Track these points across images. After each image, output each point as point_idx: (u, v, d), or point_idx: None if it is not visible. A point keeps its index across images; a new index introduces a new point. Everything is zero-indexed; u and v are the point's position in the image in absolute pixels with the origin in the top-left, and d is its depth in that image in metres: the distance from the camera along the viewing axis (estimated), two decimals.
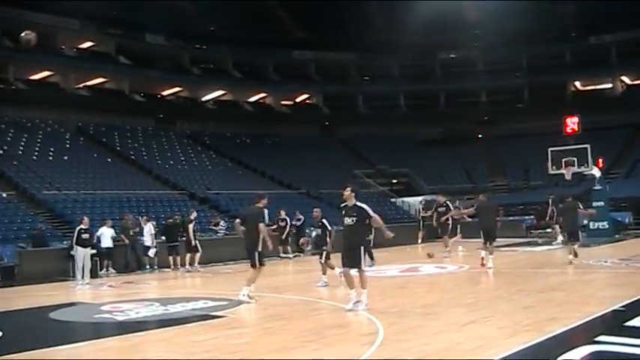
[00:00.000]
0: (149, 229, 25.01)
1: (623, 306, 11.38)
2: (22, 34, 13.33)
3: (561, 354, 7.86)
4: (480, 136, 60.86)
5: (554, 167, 33.79)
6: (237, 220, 15.02)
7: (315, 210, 18.45)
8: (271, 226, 26.64)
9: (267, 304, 13.93)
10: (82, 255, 20.60)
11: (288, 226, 28.98)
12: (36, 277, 22.28)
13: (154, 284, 20.39)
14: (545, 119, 50.78)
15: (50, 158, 39.89)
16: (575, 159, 32.70)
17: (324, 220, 17.10)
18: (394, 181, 54.24)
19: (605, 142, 43.62)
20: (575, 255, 19.44)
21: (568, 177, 34.28)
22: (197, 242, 24.50)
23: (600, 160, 35.92)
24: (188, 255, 24.49)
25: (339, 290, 15.83)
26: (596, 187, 33.61)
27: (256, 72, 60.85)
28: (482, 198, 20.63)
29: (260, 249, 14.17)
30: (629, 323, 9.79)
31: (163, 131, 51.50)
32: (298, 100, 63.76)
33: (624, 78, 59.51)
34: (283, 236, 28.80)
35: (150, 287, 19.73)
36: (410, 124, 59.44)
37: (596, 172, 33.74)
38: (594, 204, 31.00)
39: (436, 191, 46.11)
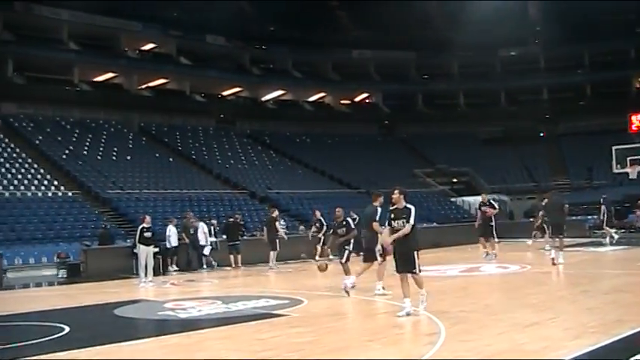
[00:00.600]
0: (201, 227, 25.16)
1: None
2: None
3: (629, 357, 7.70)
4: (541, 134, 59.99)
5: (618, 166, 33.20)
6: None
7: (337, 210, 17.88)
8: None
9: (329, 303, 13.94)
10: (145, 253, 20.81)
11: (324, 228, 26.11)
12: (100, 274, 22.68)
13: (215, 282, 20.56)
14: (608, 117, 49.88)
15: (114, 158, 40.55)
16: None
17: (348, 219, 16.98)
18: (454, 180, 53.78)
19: None
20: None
21: (633, 176, 33.61)
22: (278, 240, 24.58)
23: None
24: (272, 253, 24.42)
25: (399, 290, 15.76)
26: None
27: (316, 71, 60.95)
28: (549, 195, 20.49)
29: (379, 246, 14.54)
30: None
31: (224, 131, 51.91)
32: (358, 99, 63.66)
33: None
34: (320, 235, 26.24)
35: (211, 285, 19.91)
36: (470, 122, 58.83)
37: None
38: None
39: (497, 190, 45.99)
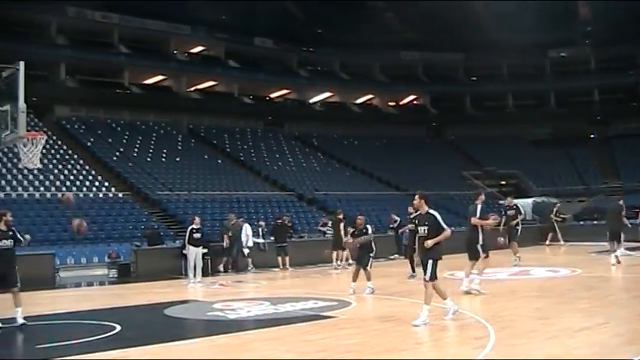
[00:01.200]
0: (245, 229, 25.23)
1: None
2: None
3: None
4: (592, 136, 59.13)
5: None
6: None
7: (359, 217, 17.95)
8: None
9: (377, 305, 13.95)
10: (194, 254, 21.00)
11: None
12: (150, 274, 22.94)
13: (263, 284, 20.66)
14: None
15: (163, 159, 41.00)
16: None
17: (368, 227, 17.18)
18: (503, 182, 53.27)
19: None
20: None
21: None
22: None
23: None
24: (339, 252, 24.54)
25: (448, 293, 15.68)
26: None
27: (363, 73, 60.82)
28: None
29: (481, 241, 15.21)
30: None
31: (272, 133, 52.13)
32: (405, 100, 63.43)
33: None
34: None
35: (260, 287, 20.02)
36: (518, 124, 58.16)
37: None
38: None
39: (546, 193, 45.45)
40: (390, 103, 61.68)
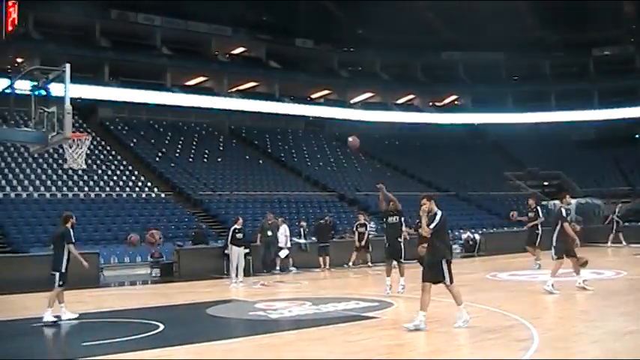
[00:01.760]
0: (284, 230, 25.18)
1: None
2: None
3: None
4: (637, 136, 58.27)
5: None
6: None
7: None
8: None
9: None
10: (237, 254, 21.08)
11: (367, 233, 25.33)
12: (192, 274, 23.07)
13: (305, 284, 20.67)
14: None
15: (205, 160, 41.29)
16: None
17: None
18: (545, 183, 52.74)
19: None
20: None
21: None
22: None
23: None
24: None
25: (491, 294, 15.60)
26: None
27: (404, 74, 60.69)
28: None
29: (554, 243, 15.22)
30: None
31: (313, 133, 52.21)
32: (447, 101, 63.12)
33: None
34: (362, 242, 24.80)
35: (301, 287, 20.02)
36: (562, 124, 57.54)
37: None
38: None
39: (590, 194, 44.90)
40: (431, 104, 61.36)
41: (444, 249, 10.97)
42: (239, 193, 36.32)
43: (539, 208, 22.22)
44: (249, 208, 33.43)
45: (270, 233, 24.63)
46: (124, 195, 32.91)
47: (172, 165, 38.90)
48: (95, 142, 36.40)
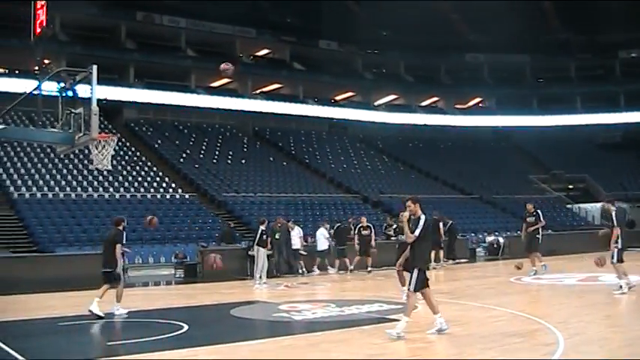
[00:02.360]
0: (298, 232, 25.12)
1: None
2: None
3: None
4: None
5: None
6: None
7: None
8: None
9: (442, 309, 13.79)
10: (263, 255, 21.12)
11: (372, 235, 24.81)
12: (216, 275, 23.17)
13: (328, 286, 20.70)
14: None
15: (229, 161, 41.42)
16: None
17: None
18: (570, 186, 52.37)
19: None
20: None
21: None
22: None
23: None
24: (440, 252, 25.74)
25: (515, 297, 15.53)
26: None
27: (428, 76, 60.55)
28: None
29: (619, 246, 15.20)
30: None
31: (337, 135, 52.21)
32: (471, 103, 62.89)
33: None
34: (372, 244, 24.59)
35: (324, 289, 20.06)
36: (587, 126, 57.12)
37: None
38: None
39: (617, 197, 44.46)
40: (456, 106, 61.17)
41: (420, 257, 10.76)
42: (263, 195, 36.38)
43: (539, 212, 21.50)
44: (272, 210, 33.44)
45: (278, 236, 24.40)
46: (149, 196, 33.10)
47: (196, 166, 39.08)
48: (120, 144, 36.55)
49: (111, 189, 32.52)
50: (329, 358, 9.36)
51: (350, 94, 58.03)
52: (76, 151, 28.82)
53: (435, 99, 61.57)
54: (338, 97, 57.62)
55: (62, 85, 13.86)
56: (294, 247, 24.66)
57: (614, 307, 13.90)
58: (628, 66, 59.90)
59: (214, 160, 40.98)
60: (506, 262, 29.15)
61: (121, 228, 14.66)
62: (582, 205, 45.65)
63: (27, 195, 29.93)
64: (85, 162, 32.16)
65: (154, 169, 36.81)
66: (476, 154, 52.61)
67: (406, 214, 10.82)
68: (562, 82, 60.41)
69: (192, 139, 43.62)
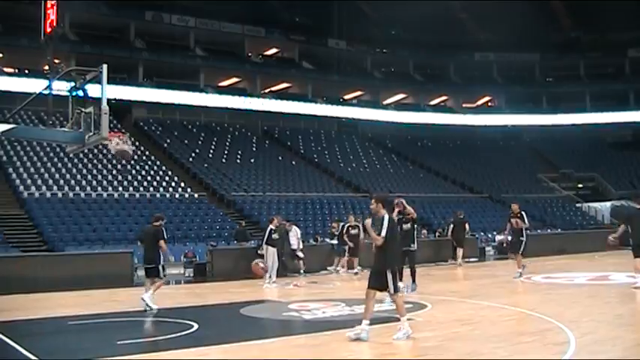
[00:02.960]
0: (295, 232, 24.49)
1: None
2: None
3: None
4: None
5: None
6: None
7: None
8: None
9: (453, 308, 13.79)
10: (272, 254, 21.09)
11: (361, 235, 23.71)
12: (226, 274, 23.15)
13: (337, 285, 20.65)
14: None
15: (238, 161, 41.47)
16: None
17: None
18: (580, 185, 52.22)
19: None
20: None
21: None
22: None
23: None
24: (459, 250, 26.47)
25: (526, 296, 15.49)
26: None
27: (437, 75, 60.51)
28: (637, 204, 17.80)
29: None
30: None
31: (345, 134, 52.20)
32: (480, 102, 62.79)
33: None
34: (352, 245, 24.02)
35: (334, 288, 19.99)
36: (597, 125, 56.92)
37: None
38: None
39: (625, 196, 44.33)
40: (465, 105, 61.06)
41: (390, 258, 10.47)
42: (272, 194, 36.41)
43: (523, 213, 21.04)
44: (282, 209, 33.45)
45: (276, 236, 24.01)
46: (158, 195, 33.15)
47: (206, 165, 39.13)
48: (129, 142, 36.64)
49: (120, 188, 32.58)
50: (339, 357, 9.34)
51: (359, 93, 58.03)
52: (86, 151, 29.02)
53: (444, 98, 61.49)
54: (347, 96, 57.59)
55: (72, 84, 13.89)
56: (292, 247, 23.99)
57: (626, 305, 13.82)
58: (638, 65, 59.67)
59: (223, 160, 41.03)
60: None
61: (159, 224, 15.15)
62: (592, 204, 45.52)
63: (37, 194, 30.02)
64: (95, 161, 32.26)
65: (163, 168, 36.87)
66: (485, 153, 52.53)
67: (368, 221, 10.75)
68: (572, 81, 60.23)
69: (202, 139, 43.70)
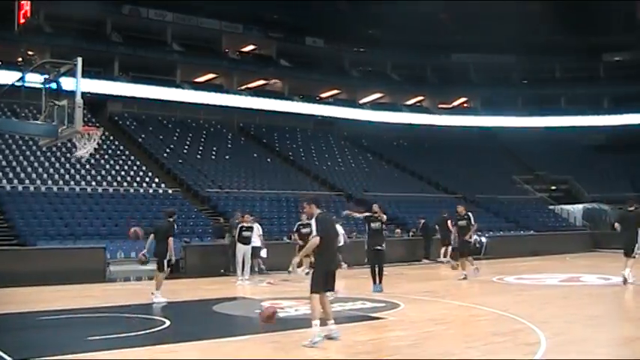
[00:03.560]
0: (256, 229, 23.58)
1: None
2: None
3: None
4: None
5: None
6: None
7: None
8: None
9: (426, 308, 13.84)
10: (242, 252, 21.08)
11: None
12: (199, 270, 23.08)
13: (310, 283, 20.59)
14: None
15: (213, 157, 41.29)
16: None
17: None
18: (553, 187, 52.56)
19: None
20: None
21: None
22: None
23: None
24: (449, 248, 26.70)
25: (498, 297, 15.57)
26: None
27: (415, 75, 60.65)
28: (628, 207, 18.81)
29: None
30: None
31: (321, 133, 52.16)
32: (456, 103, 63.01)
33: None
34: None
35: (307, 286, 19.94)
36: (572, 128, 57.30)
37: None
38: None
39: (599, 199, 44.74)
40: (441, 105, 61.25)
41: (318, 259, 10.46)
42: (247, 191, 36.30)
43: (470, 214, 20.84)
44: (256, 207, 33.37)
45: (247, 234, 23.39)
46: (132, 190, 32.90)
47: (180, 161, 38.92)
48: (104, 137, 36.31)
49: (93, 183, 32.29)
50: (312, 355, 9.32)
51: (336, 91, 57.97)
52: (59, 144, 28.71)
53: (421, 98, 61.59)
54: (324, 95, 57.52)
55: (46, 77, 13.76)
56: (253, 244, 22.71)
57: (597, 306, 13.97)
58: (612, 69, 60.27)
59: (199, 156, 40.82)
60: (488, 261, 29.21)
61: (172, 220, 16.34)
62: (565, 207, 45.82)
63: (8, 187, 29.66)
64: (68, 155, 31.92)
65: (138, 163, 36.59)
66: (460, 154, 52.67)
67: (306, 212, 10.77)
68: (547, 84, 60.65)
69: (177, 134, 43.46)
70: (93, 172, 33.04)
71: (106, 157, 35.61)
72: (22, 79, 14.35)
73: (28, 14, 14.63)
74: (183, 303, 15.90)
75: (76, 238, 26.18)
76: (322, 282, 10.27)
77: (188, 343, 10.20)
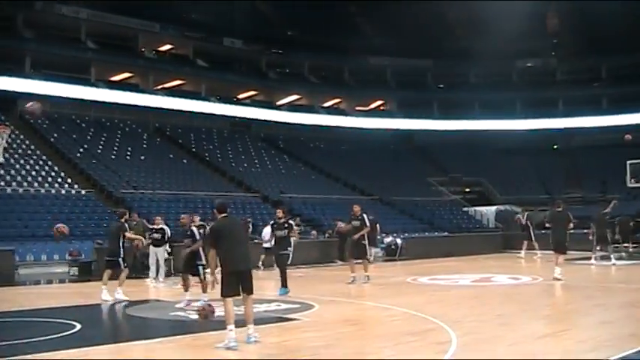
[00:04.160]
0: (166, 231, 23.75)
1: None
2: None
3: None
4: (555, 146, 59.98)
5: (632, 180, 33.06)
6: None
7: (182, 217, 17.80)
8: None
9: (340, 308, 13.92)
10: (154, 254, 20.96)
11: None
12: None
13: None
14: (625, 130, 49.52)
15: (128, 157, 40.70)
16: None
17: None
18: (467, 189, 53.61)
19: None
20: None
21: None
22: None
23: None
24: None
25: (411, 298, 15.77)
26: None
27: (332, 77, 60.98)
28: (556, 208, 20.11)
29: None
30: None
31: (238, 134, 51.95)
32: (373, 105, 63.57)
33: None
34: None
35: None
36: (485, 132, 58.52)
37: None
38: None
39: (511, 201, 45.81)
40: (358, 108, 61.69)
41: (223, 264, 10.27)
42: (162, 192, 35.85)
43: (364, 215, 19.86)
44: (172, 208, 33.03)
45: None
46: (43, 191, 32.10)
47: (94, 162, 38.15)
48: (14, 136, 35.47)
49: (2, 183, 31.36)
50: (227, 357, 9.26)
51: (253, 92, 57.79)
52: None
53: (338, 100, 61.93)
54: (241, 96, 57.26)
55: None
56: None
57: (507, 306, 14.27)
58: (525, 75, 61.93)
59: (113, 156, 40.12)
60: (403, 262, 29.63)
61: (123, 220, 16.94)
62: (478, 208, 46.72)
63: None
64: None
65: (49, 163, 35.73)
66: (377, 156, 53.21)
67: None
68: (462, 88, 61.86)
69: (91, 134, 42.63)
70: (2, 171, 32.07)
71: (16, 156, 34.68)
72: None
73: None
74: (95, 306, 15.58)
75: None
76: (233, 284, 10.08)
77: (98, 346, 10.00)
